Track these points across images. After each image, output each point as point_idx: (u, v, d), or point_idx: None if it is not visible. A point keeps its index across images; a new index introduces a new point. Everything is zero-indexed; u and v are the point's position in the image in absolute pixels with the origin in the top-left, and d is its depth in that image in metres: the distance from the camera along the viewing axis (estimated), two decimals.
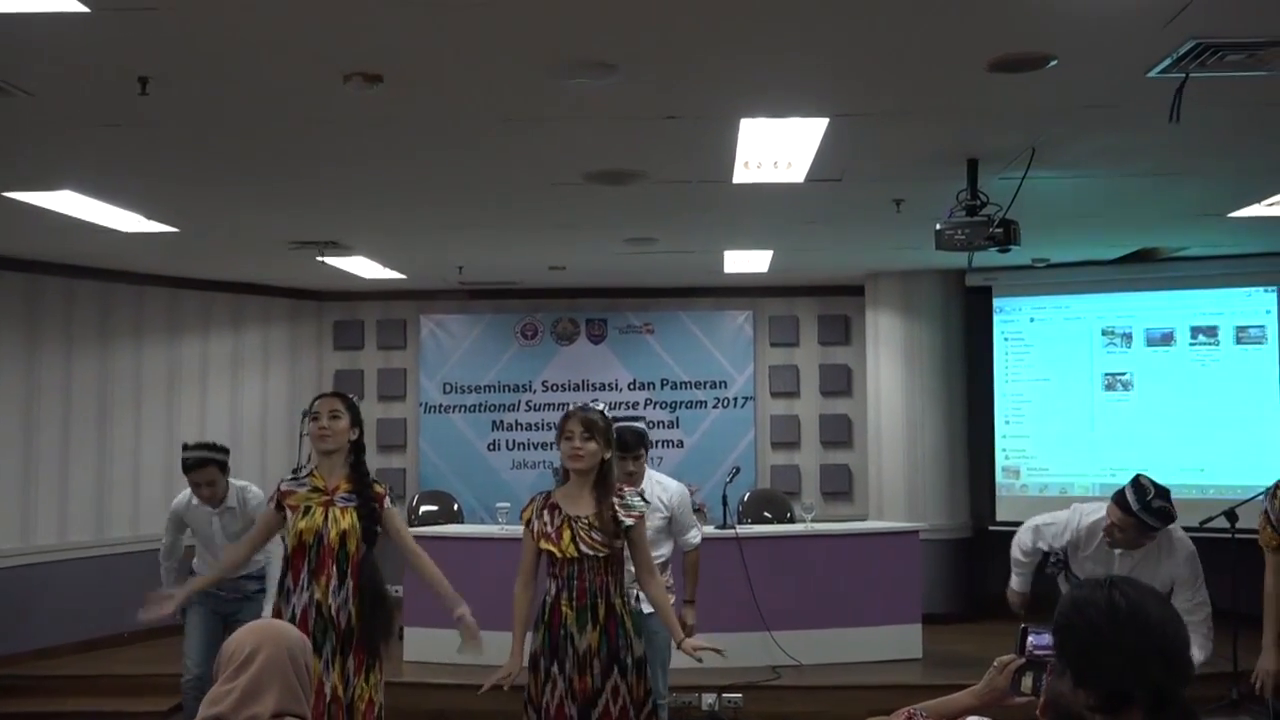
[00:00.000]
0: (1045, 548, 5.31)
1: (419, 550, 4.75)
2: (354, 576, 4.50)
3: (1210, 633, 4.90)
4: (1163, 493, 4.82)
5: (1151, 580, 4.76)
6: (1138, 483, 4.86)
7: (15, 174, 5.52)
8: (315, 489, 4.59)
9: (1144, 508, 4.78)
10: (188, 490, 5.99)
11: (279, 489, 4.68)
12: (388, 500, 4.67)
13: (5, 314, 8.10)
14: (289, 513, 4.59)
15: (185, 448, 5.96)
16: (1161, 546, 4.95)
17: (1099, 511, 5.05)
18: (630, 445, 5.21)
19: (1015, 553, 5.45)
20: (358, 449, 4.68)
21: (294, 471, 4.84)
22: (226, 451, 6.00)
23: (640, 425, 5.47)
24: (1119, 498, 4.87)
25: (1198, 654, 4.64)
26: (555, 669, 4.36)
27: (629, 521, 4.42)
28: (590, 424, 4.44)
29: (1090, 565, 5.04)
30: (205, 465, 5.85)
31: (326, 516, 4.53)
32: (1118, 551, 4.97)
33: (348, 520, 4.53)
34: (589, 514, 4.41)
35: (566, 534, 4.39)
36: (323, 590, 4.47)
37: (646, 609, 4.84)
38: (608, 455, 4.47)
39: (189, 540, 6.19)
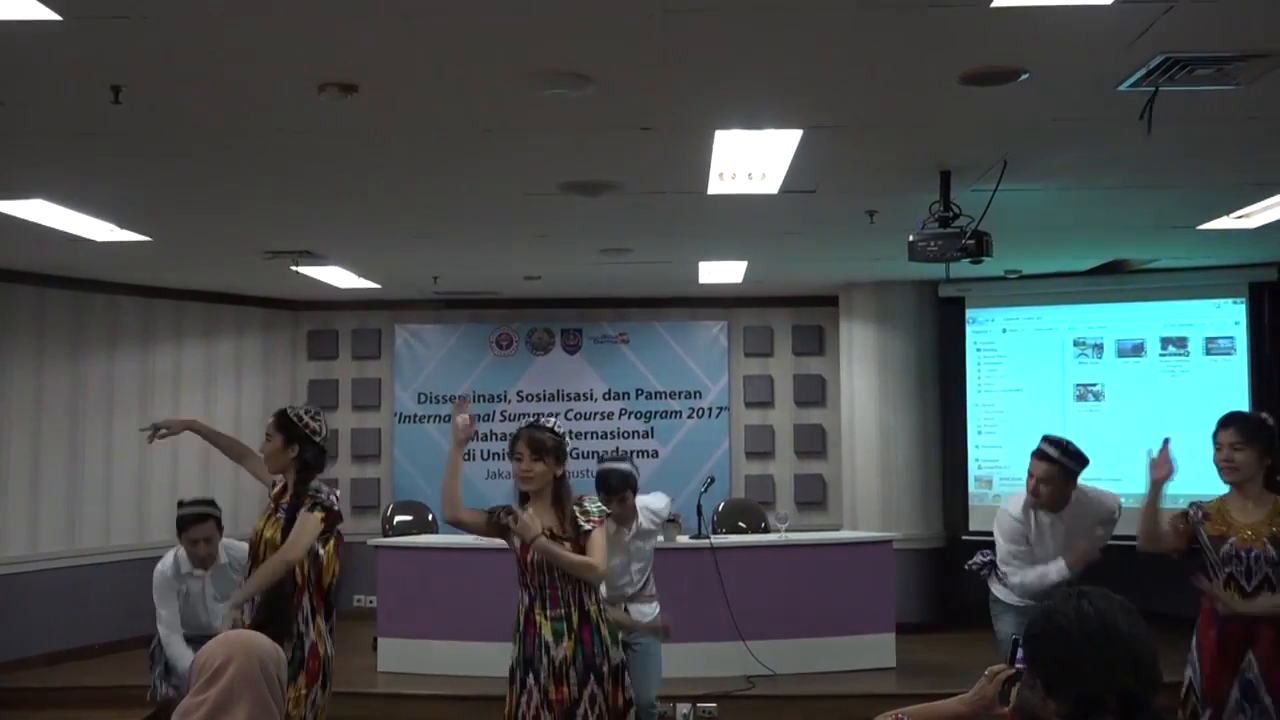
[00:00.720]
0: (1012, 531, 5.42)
1: (285, 555, 4.43)
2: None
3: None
4: (1070, 441, 5.33)
5: (1090, 532, 5.24)
6: (1049, 438, 5.34)
7: None
8: (277, 498, 4.68)
9: (1063, 453, 5.23)
10: (171, 555, 5.57)
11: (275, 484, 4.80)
12: (306, 509, 4.52)
13: None
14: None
15: (181, 504, 5.65)
16: (1084, 504, 5.32)
17: (1016, 495, 5.44)
18: (615, 488, 5.22)
19: (1007, 546, 5.35)
20: (301, 464, 4.63)
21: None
22: (220, 509, 5.71)
23: (625, 466, 5.39)
24: (1039, 453, 5.29)
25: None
26: (531, 680, 4.37)
27: (587, 527, 4.46)
28: (538, 444, 4.45)
29: (1039, 550, 5.27)
30: (205, 520, 5.52)
31: (267, 525, 4.60)
32: (1048, 521, 5.26)
33: (274, 532, 4.56)
34: (553, 525, 4.45)
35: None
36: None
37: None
38: (559, 473, 4.49)
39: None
